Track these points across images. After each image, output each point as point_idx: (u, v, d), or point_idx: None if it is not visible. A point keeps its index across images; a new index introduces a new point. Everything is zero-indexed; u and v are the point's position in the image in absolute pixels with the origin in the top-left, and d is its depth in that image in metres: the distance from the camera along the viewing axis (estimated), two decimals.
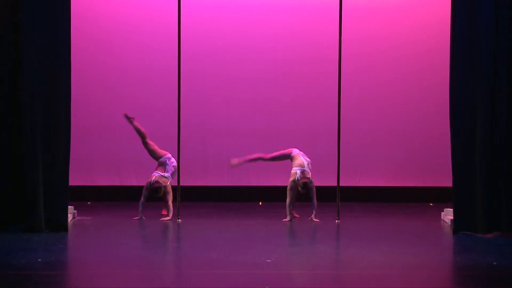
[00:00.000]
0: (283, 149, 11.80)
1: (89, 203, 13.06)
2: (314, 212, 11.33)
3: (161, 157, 11.70)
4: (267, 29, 13.50)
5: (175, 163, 11.57)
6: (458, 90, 10.31)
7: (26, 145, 10.19)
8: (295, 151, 11.61)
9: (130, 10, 13.42)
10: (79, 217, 11.46)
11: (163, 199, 11.51)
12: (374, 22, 13.51)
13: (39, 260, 8.43)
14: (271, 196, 13.45)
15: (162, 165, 11.65)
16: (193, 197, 13.22)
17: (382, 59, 13.53)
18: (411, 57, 13.53)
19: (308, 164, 11.47)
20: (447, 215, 11.35)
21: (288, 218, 11.31)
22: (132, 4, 13.43)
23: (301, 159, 11.47)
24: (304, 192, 11.33)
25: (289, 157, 11.62)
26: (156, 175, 11.51)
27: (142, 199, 11.43)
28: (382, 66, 13.53)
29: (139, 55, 13.40)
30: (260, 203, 13.28)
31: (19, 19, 10.20)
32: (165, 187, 11.40)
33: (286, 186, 11.47)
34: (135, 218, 11.35)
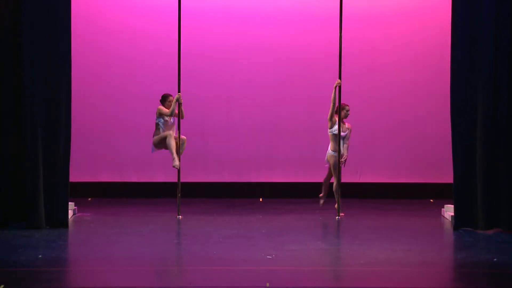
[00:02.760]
0: None
1: (89, 199, 13.06)
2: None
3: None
4: (268, 27, 13.48)
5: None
6: (459, 89, 10.32)
7: (26, 142, 10.19)
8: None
9: (130, 9, 13.40)
10: (79, 214, 11.46)
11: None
12: (375, 20, 13.50)
13: (40, 256, 8.43)
14: (272, 192, 13.46)
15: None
16: (194, 194, 13.22)
17: (383, 57, 13.51)
18: (411, 55, 13.51)
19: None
20: (448, 211, 11.35)
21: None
22: (132, 3, 13.42)
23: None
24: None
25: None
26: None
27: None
28: (382, 64, 13.51)
29: (140, 53, 13.39)
30: (261, 200, 13.29)
31: (19, 18, 10.19)
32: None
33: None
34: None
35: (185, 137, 11.55)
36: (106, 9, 13.40)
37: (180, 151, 11.40)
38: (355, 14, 13.13)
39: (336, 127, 11.40)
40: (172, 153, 11.27)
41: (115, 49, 13.38)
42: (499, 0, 10.24)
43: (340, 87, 11.29)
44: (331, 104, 11.41)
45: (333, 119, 11.45)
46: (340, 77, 11.32)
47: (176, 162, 11.24)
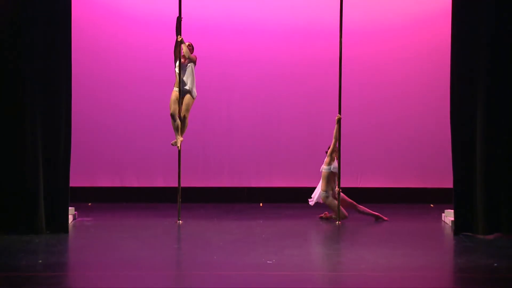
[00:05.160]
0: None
1: (89, 204, 13.06)
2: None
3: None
4: (268, 31, 13.52)
5: None
6: (458, 93, 10.32)
7: (26, 147, 10.18)
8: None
9: (131, 11, 13.44)
10: (79, 218, 11.46)
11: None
12: (374, 19, 13.52)
13: (40, 261, 8.43)
14: (272, 197, 13.46)
15: None
16: (194, 198, 13.22)
17: (382, 60, 13.54)
18: (411, 58, 13.54)
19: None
20: (448, 216, 11.35)
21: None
22: (133, 5, 13.45)
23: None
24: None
25: None
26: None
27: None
28: (382, 67, 13.54)
29: (140, 56, 13.42)
30: (261, 204, 13.29)
31: (19, 19, 10.18)
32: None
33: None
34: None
35: (186, 116, 11.51)
36: (107, 10, 13.43)
37: (182, 130, 11.40)
38: (355, 27, 13.17)
39: (335, 164, 11.32)
40: (175, 133, 11.38)
41: (115, 51, 13.40)
42: (499, 2, 10.24)
43: (340, 90, 11.27)
44: (334, 140, 11.33)
45: (333, 155, 11.33)
46: (340, 81, 11.31)
47: (178, 143, 11.33)
